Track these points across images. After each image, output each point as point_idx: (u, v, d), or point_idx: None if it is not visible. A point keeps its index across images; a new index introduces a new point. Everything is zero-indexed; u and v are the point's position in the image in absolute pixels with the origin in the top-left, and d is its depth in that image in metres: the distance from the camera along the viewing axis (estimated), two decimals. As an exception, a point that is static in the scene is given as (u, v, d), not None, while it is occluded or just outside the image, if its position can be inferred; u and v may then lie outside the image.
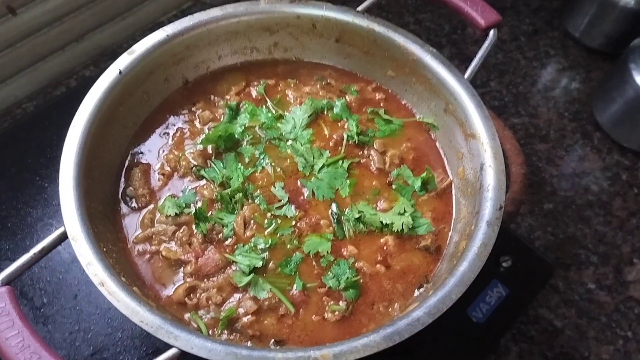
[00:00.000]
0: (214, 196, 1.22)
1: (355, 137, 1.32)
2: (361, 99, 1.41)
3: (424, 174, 1.27)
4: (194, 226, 1.19)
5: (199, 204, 1.22)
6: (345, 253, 1.18)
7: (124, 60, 1.25)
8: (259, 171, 1.28)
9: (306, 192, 1.25)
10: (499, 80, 2.29)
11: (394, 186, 1.27)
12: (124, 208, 1.22)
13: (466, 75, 1.28)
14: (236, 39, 1.40)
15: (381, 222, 1.20)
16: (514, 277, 1.48)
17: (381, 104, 1.41)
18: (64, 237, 1.04)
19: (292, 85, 1.43)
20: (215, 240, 1.18)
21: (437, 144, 1.35)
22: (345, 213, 1.22)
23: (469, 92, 1.24)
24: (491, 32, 1.32)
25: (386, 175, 1.29)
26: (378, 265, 1.17)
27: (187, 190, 1.24)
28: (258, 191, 1.24)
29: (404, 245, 1.20)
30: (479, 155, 1.19)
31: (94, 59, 2.09)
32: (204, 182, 1.26)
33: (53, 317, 1.35)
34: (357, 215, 1.21)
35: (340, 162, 1.29)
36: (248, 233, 1.19)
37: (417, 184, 1.27)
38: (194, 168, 1.26)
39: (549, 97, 2.24)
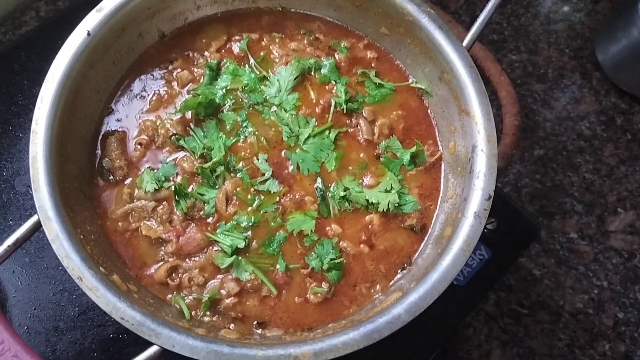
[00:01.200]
0: (195, 169, 1.18)
1: (344, 105, 1.25)
2: (351, 58, 1.32)
3: (413, 149, 1.22)
4: (174, 203, 1.15)
5: (179, 179, 1.17)
6: (329, 232, 1.17)
7: (92, 20, 1.14)
8: (241, 141, 1.22)
9: (291, 166, 1.20)
10: (500, 10, 2.14)
11: (381, 159, 1.23)
12: (101, 181, 1.18)
13: (465, 42, 1.19)
14: (216, -14, 1.27)
15: (367, 201, 1.17)
16: (497, 239, 1.48)
17: (372, 64, 1.32)
18: (38, 225, 1.01)
19: (277, 40, 1.32)
20: (197, 218, 1.15)
21: (430, 112, 1.29)
22: (331, 189, 1.19)
23: (466, 63, 1.16)
24: (496, -9, 1.20)
25: (374, 147, 1.24)
26: (362, 245, 1.16)
27: (166, 163, 1.19)
28: (241, 164, 1.20)
29: (389, 224, 1.19)
30: (472, 135, 1.13)
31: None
32: (183, 153, 1.20)
33: (37, 277, 1.35)
34: (342, 193, 1.18)
35: (327, 132, 1.23)
36: (230, 210, 1.16)
37: (406, 157, 1.22)
38: (172, 137, 1.20)
39: (550, 30, 2.12)
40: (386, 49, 1.33)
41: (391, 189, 1.19)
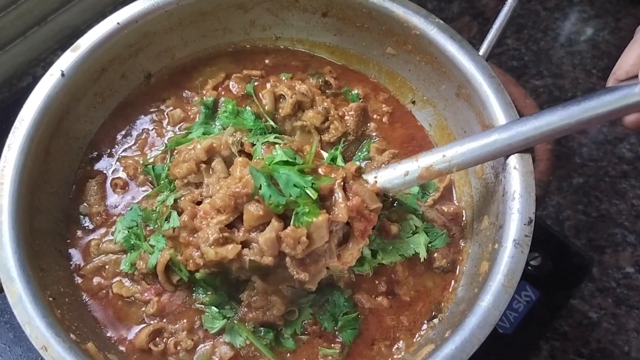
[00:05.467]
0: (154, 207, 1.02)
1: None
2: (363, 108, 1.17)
3: None
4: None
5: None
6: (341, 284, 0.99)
7: (66, 59, 1.04)
8: None
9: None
10: (517, 36, 2.02)
11: (396, 201, 1.06)
12: (79, 231, 1.04)
13: (482, 51, 1.06)
14: (203, 20, 1.17)
15: (402, 256, 1.00)
16: (544, 278, 1.28)
17: (384, 119, 1.18)
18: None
19: (284, 79, 1.19)
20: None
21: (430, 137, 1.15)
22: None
23: (485, 73, 1.02)
24: (511, -6, 1.07)
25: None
26: (380, 298, 0.99)
27: (132, 207, 1.03)
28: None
29: (414, 267, 1.01)
30: (501, 152, 0.97)
31: (62, 42, 1.87)
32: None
33: (24, 356, 1.19)
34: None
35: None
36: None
37: (415, 190, 1.06)
38: (145, 167, 1.06)
39: (574, 52, 1.98)
40: (395, 70, 1.20)
41: (416, 229, 1.02)
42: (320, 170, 0.90)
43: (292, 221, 0.83)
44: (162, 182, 1.04)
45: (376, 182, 0.97)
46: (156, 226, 0.99)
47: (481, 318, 0.83)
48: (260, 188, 0.84)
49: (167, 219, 0.96)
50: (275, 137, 1.03)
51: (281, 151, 0.90)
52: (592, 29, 2.03)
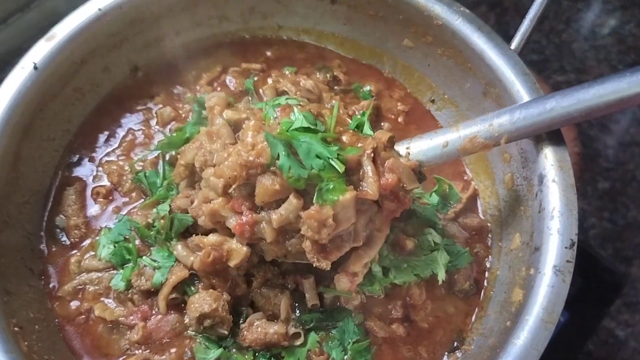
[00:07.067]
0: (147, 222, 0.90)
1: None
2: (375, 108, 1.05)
3: (435, 188, 0.94)
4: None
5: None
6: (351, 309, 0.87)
7: (40, 50, 0.92)
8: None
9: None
10: (537, 28, 1.87)
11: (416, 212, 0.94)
12: (55, 248, 0.91)
13: (513, 45, 0.93)
14: (197, 6, 1.06)
15: (416, 275, 0.87)
16: (574, 297, 1.16)
17: (399, 119, 1.06)
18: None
19: (288, 74, 1.08)
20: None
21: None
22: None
23: (518, 70, 0.90)
24: (547, -18, 0.95)
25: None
26: (395, 325, 0.86)
27: (120, 219, 0.91)
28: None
29: (432, 291, 0.89)
30: (536, 161, 0.85)
31: (47, 30, 1.74)
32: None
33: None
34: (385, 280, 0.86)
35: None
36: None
37: (434, 200, 0.94)
38: (133, 175, 0.94)
39: (598, 46, 1.85)
40: (412, 64, 1.07)
41: (435, 245, 0.89)
42: (344, 139, 0.76)
43: (314, 198, 0.70)
44: (159, 190, 0.92)
45: (409, 153, 0.84)
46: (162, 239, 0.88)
47: (517, 358, 0.71)
48: (278, 158, 0.71)
49: (171, 227, 0.86)
50: (287, 99, 0.88)
51: (301, 115, 0.76)
52: (617, 21, 1.89)
